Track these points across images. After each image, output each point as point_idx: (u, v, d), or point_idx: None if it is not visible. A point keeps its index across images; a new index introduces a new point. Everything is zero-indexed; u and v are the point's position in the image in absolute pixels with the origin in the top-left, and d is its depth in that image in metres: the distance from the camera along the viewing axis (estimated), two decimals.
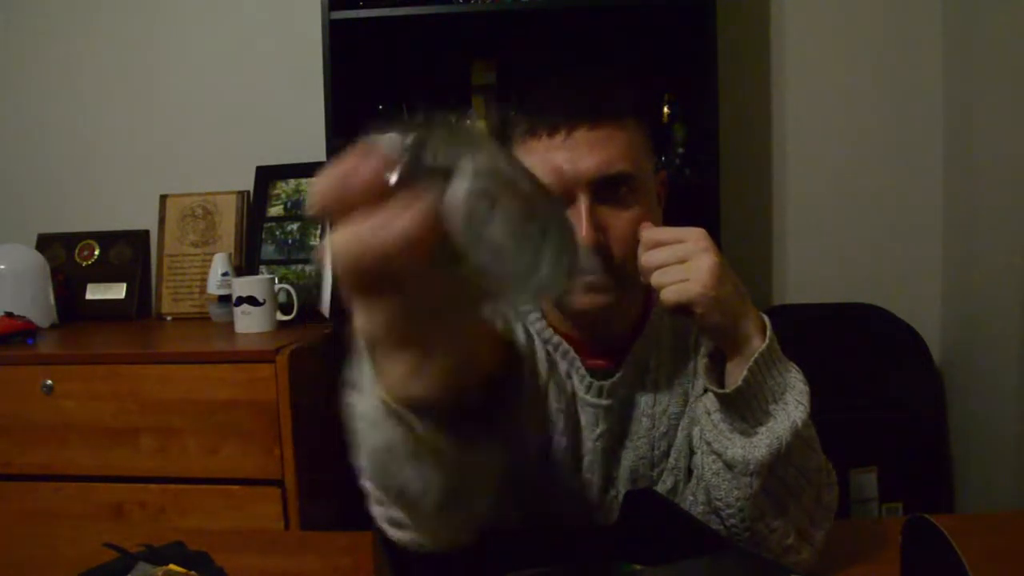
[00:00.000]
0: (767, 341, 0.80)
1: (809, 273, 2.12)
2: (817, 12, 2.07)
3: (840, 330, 2.02)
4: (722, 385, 0.82)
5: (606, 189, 0.87)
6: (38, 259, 2.02)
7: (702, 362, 0.85)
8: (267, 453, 1.59)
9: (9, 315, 1.84)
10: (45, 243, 2.21)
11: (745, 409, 0.80)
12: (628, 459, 0.95)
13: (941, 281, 2.08)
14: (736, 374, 0.80)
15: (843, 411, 1.93)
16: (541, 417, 0.94)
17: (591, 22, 1.98)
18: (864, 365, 1.97)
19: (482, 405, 0.50)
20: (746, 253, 2.10)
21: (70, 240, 2.23)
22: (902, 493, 1.92)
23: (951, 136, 2.02)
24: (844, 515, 1.87)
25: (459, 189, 0.37)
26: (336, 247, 0.38)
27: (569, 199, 0.86)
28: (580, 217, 0.85)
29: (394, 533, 0.72)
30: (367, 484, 0.71)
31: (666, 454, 0.95)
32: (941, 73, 2.04)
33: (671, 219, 2.07)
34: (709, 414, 0.84)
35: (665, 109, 1.95)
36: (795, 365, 0.85)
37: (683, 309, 0.79)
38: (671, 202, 2.07)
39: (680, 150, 1.90)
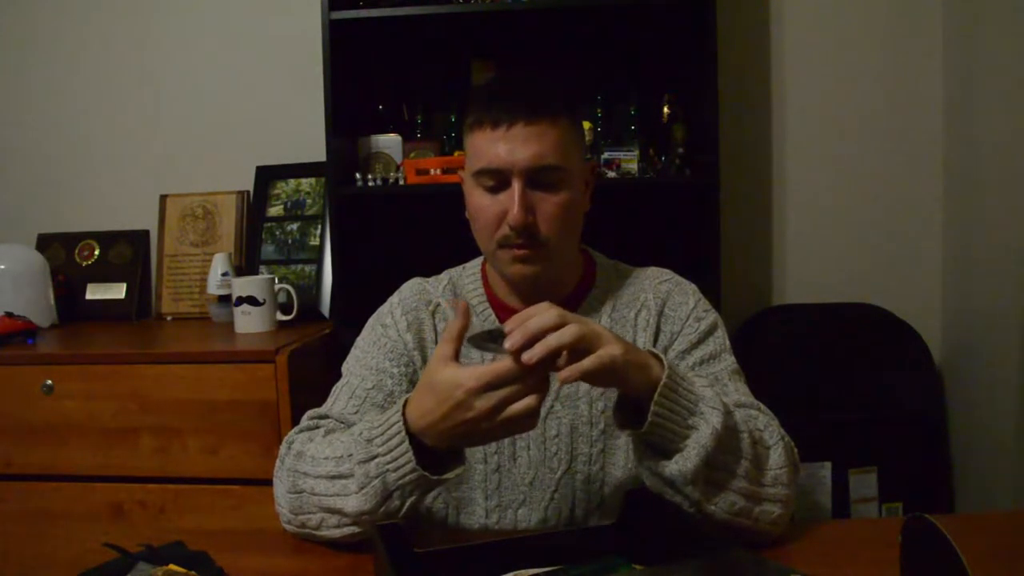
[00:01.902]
0: (667, 369, 0.86)
1: (809, 273, 2.12)
2: (817, 12, 2.07)
3: (840, 330, 2.02)
4: (640, 423, 0.86)
5: (538, 176, 1.01)
6: (38, 259, 2.02)
7: (615, 415, 0.92)
8: (267, 453, 1.59)
9: (9, 315, 1.85)
10: (45, 243, 2.22)
11: (669, 433, 0.86)
12: (567, 416, 1.07)
13: (941, 281, 2.08)
14: (647, 409, 0.85)
15: (843, 411, 1.93)
16: None
17: (591, 22, 1.98)
18: (864, 365, 1.97)
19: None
20: (746, 253, 2.10)
21: (70, 240, 2.23)
22: (902, 493, 1.92)
23: (951, 136, 2.02)
24: (844, 515, 1.88)
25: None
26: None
27: (505, 182, 1.01)
28: (513, 199, 1.00)
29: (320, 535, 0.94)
30: (293, 521, 0.96)
31: (602, 412, 1.06)
32: (941, 73, 2.04)
33: (673, 219, 2.08)
34: (637, 446, 0.91)
35: (665, 109, 1.95)
36: (698, 374, 0.94)
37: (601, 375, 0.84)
38: (672, 202, 2.08)
39: (680, 150, 1.90)
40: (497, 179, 1.01)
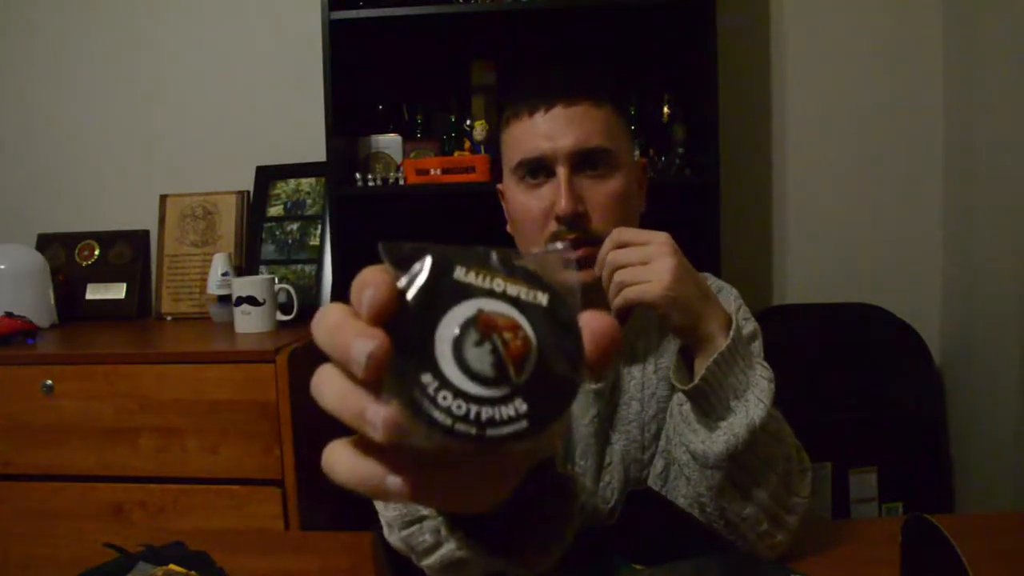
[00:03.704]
0: (729, 340, 0.80)
1: (809, 273, 2.12)
2: (817, 12, 2.07)
3: (840, 330, 2.02)
4: (689, 380, 0.83)
5: (585, 162, 0.92)
6: (38, 259, 2.02)
7: (673, 358, 0.87)
8: (267, 453, 1.59)
9: (9, 315, 1.84)
10: (45, 243, 2.21)
11: (706, 404, 0.82)
12: (620, 443, 0.98)
13: (941, 281, 2.08)
14: (700, 371, 0.81)
15: (843, 411, 1.93)
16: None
17: (591, 22, 1.98)
18: (864, 365, 1.97)
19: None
20: (746, 253, 2.10)
21: (70, 240, 2.23)
22: (902, 493, 1.92)
23: (951, 136, 2.02)
24: (844, 515, 1.88)
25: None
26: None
27: (549, 172, 0.92)
28: (560, 188, 0.90)
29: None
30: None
31: (656, 436, 0.98)
32: (941, 73, 2.04)
33: (673, 219, 2.08)
34: (680, 406, 0.86)
35: (665, 109, 1.95)
36: (764, 363, 0.85)
37: (647, 307, 0.81)
38: (672, 202, 2.07)
39: (680, 150, 1.90)
40: (540, 169, 0.92)
